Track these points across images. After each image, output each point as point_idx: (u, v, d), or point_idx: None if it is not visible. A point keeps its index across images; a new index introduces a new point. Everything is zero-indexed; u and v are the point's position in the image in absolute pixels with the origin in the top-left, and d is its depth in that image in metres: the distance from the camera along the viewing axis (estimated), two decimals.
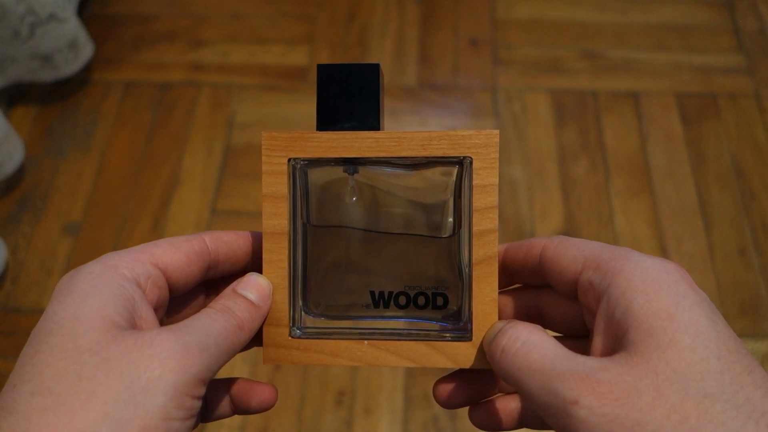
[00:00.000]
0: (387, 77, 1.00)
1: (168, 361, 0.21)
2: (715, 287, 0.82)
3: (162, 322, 0.27)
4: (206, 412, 0.29)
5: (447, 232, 0.29)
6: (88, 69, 1.01)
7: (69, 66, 0.95)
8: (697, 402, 0.20)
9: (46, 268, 0.85)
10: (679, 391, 0.20)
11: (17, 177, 0.92)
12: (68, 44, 0.93)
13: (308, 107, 0.98)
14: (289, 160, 0.28)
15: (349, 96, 0.29)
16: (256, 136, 0.96)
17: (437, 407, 0.74)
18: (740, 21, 1.05)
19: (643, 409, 0.20)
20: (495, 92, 0.99)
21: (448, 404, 0.29)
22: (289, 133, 0.28)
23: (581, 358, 0.22)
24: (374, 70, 0.29)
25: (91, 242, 0.87)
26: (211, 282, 0.30)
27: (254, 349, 0.30)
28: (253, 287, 0.27)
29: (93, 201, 0.91)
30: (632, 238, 0.86)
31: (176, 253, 0.26)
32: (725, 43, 1.03)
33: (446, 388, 0.29)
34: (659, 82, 0.99)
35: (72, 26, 0.93)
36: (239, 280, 0.27)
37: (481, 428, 0.29)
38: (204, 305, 0.30)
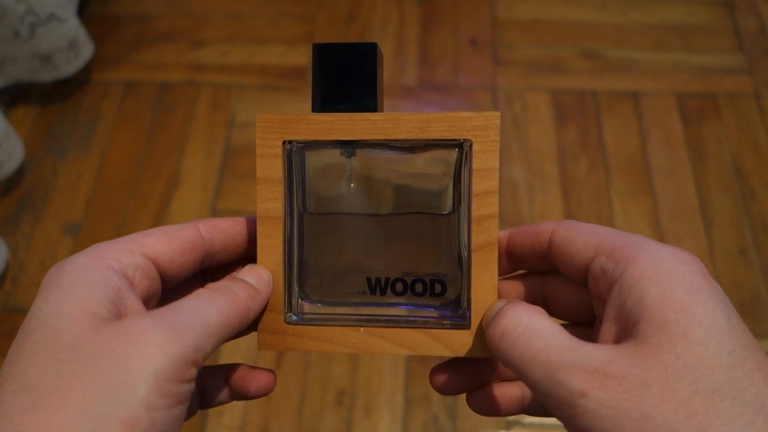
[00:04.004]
0: (387, 77, 1.00)
1: (146, 348, 0.21)
2: None
3: None
4: (204, 398, 0.28)
5: (447, 209, 0.28)
6: (88, 69, 1.01)
7: (69, 66, 0.95)
8: (706, 397, 0.19)
9: (46, 268, 0.85)
10: (688, 386, 0.20)
11: (17, 177, 0.92)
12: (68, 44, 0.93)
13: (308, 107, 0.98)
14: (284, 142, 0.28)
15: (345, 77, 0.28)
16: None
17: (437, 407, 0.74)
18: (740, 21, 1.05)
19: (651, 402, 0.20)
20: (495, 92, 0.99)
21: (445, 391, 0.28)
22: (283, 115, 0.28)
23: (588, 348, 0.22)
24: (371, 49, 0.28)
25: (91, 242, 0.87)
26: (209, 271, 0.29)
27: (254, 344, 0.30)
28: (251, 273, 0.27)
29: (93, 201, 0.91)
30: None
31: (168, 243, 0.26)
32: (725, 43, 1.03)
33: (443, 376, 0.28)
34: (659, 82, 0.99)
35: (72, 26, 0.93)
36: (238, 270, 0.27)
37: (479, 413, 0.29)
38: None
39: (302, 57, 1.04)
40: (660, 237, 0.86)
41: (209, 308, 0.23)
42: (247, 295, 0.25)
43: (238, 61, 1.03)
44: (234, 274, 0.27)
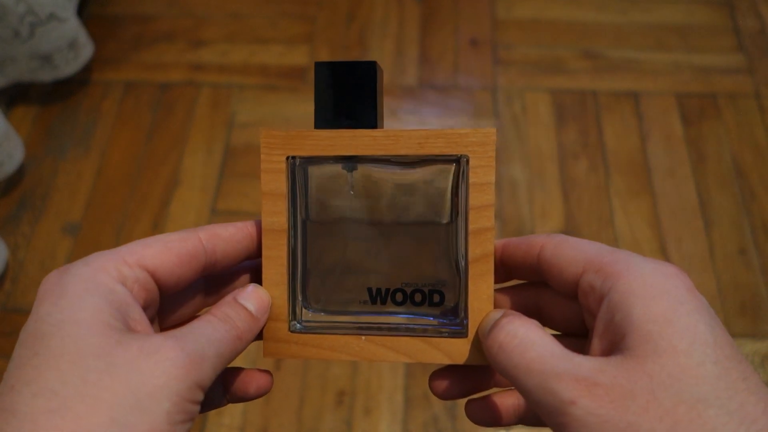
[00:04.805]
0: (387, 77, 1.00)
1: (172, 370, 0.22)
2: (715, 287, 0.82)
3: (152, 321, 0.27)
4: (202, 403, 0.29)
5: (445, 219, 0.29)
6: (88, 69, 1.01)
7: (69, 66, 0.95)
8: (690, 406, 0.20)
9: (46, 268, 0.85)
10: (673, 396, 0.20)
11: (17, 177, 0.92)
12: (68, 44, 0.93)
13: (308, 107, 0.98)
14: (287, 158, 0.28)
15: (346, 94, 0.29)
16: (256, 136, 0.96)
17: (437, 407, 0.74)
18: (740, 21, 1.05)
19: (637, 411, 0.20)
20: (495, 92, 0.99)
21: (444, 396, 0.29)
22: (287, 132, 0.28)
23: (578, 358, 0.22)
24: (371, 67, 0.29)
25: (91, 242, 0.87)
26: (211, 276, 0.29)
27: (252, 349, 0.30)
28: (254, 299, 0.27)
29: (93, 201, 0.91)
30: (632, 239, 0.86)
31: (167, 255, 0.26)
32: (725, 43, 1.03)
33: (442, 381, 0.29)
34: (659, 82, 0.99)
35: (72, 26, 0.93)
36: (240, 289, 0.27)
37: (477, 423, 0.29)
38: (203, 301, 0.30)
39: (302, 57, 1.04)
40: (660, 237, 0.86)
41: (220, 339, 0.25)
42: (247, 327, 0.26)
43: (238, 61, 1.03)
44: (236, 294, 0.27)
